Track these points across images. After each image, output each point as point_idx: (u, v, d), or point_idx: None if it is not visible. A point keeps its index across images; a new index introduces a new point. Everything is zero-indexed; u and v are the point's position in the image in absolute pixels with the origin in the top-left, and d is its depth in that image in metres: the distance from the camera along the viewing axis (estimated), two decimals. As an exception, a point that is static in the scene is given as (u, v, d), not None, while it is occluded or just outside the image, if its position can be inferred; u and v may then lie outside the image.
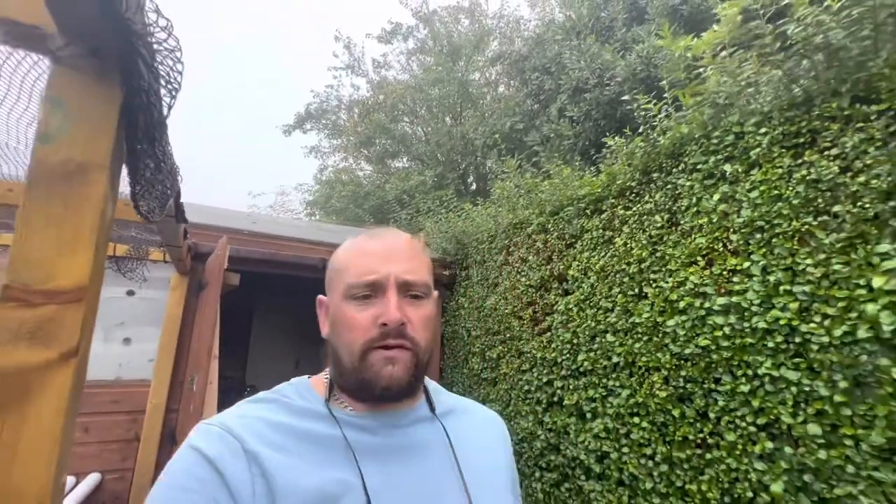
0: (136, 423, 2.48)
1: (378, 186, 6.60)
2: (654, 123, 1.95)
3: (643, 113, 2.01)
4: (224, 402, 2.82)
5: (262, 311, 4.99)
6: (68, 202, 0.47)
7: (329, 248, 3.25)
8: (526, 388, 2.43)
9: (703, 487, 1.47)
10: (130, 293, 2.74)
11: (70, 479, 2.34)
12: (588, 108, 3.56)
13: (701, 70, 1.83)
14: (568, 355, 2.16)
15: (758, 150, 1.48)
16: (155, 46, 0.48)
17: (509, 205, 3.06)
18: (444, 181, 5.57)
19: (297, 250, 3.05)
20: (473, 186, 6.16)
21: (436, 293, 0.65)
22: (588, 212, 2.27)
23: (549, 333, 2.34)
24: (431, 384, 0.68)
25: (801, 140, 1.39)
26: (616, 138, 2.20)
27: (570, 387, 2.12)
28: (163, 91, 0.53)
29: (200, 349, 2.43)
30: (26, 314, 0.43)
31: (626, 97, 2.84)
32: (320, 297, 0.65)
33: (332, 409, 0.57)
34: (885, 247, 1.14)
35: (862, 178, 1.21)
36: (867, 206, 1.19)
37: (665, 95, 2.03)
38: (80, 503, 2.22)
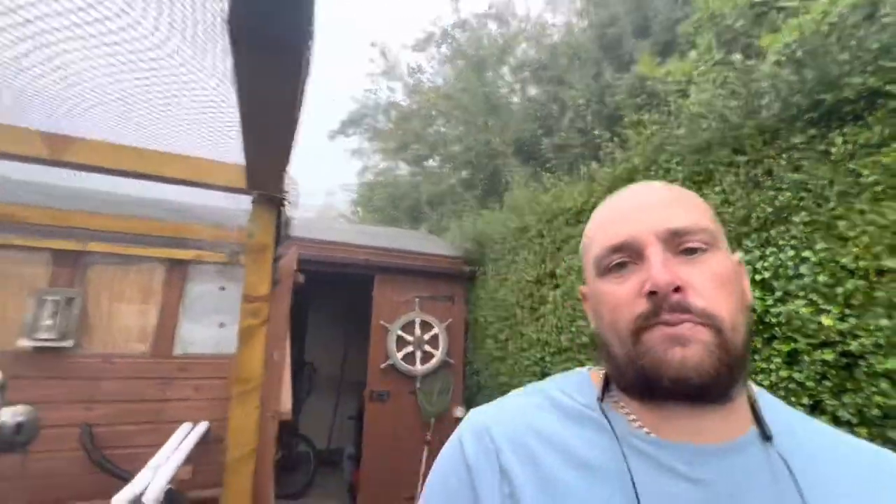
0: (228, 386, 3.31)
1: (413, 187, 7.27)
2: (615, 155, 2.47)
3: (607, 144, 2.53)
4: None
5: (316, 302, 5.86)
6: (259, 260, 1.14)
7: (369, 249, 3.96)
8: (526, 363, 3.03)
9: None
10: (222, 288, 3.58)
11: (188, 426, 3.20)
12: (591, 121, 4.02)
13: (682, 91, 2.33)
14: (554, 336, 2.74)
15: (677, 182, 2.00)
16: (287, 196, 1.15)
17: (517, 212, 3.63)
18: (473, 182, 6.13)
19: (345, 252, 3.79)
20: (501, 188, 6.64)
21: (734, 255, 0.48)
22: (572, 222, 2.82)
23: (542, 319, 2.92)
24: (756, 389, 0.47)
25: (702, 178, 1.90)
26: (592, 163, 2.73)
27: (556, 361, 2.71)
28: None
29: (277, 332, 3.22)
30: (250, 305, 1.11)
31: (623, 113, 3.33)
32: (581, 288, 0.55)
33: (608, 411, 0.46)
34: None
35: (731, 210, 1.72)
36: (732, 230, 1.70)
37: (646, 117, 2.53)
38: (197, 442, 3.07)
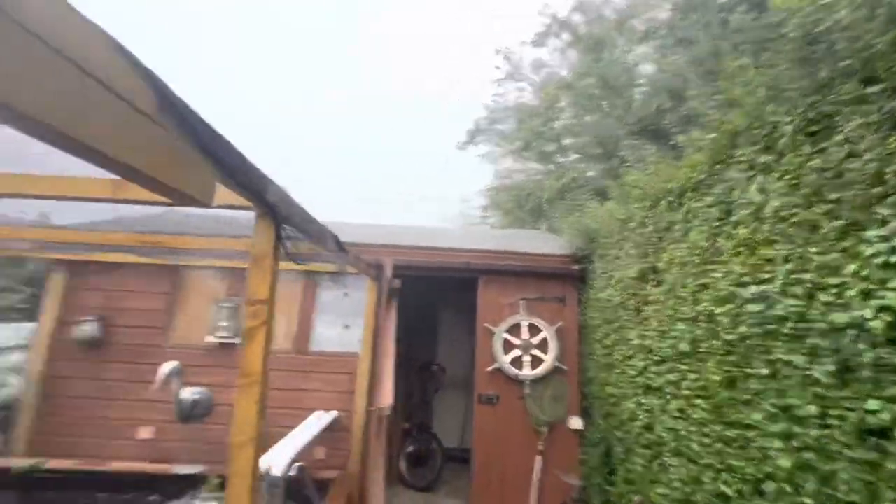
0: (352, 381, 3.72)
1: (537, 186, 7.05)
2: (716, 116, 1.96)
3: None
4: (410, 376, 4.00)
5: (444, 305, 6.16)
6: (260, 267, 1.28)
7: (472, 252, 3.99)
8: (630, 373, 2.63)
9: (742, 464, 1.57)
10: (346, 294, 4.07)
11: (320, 413, 3.72)
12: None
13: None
14: (657, 342, 2.32)
15: (784, 139, 1.49)
16: (284, 209, 1.26)
17: (621, 200, 3.19)
18: (594, 172, 5.64)
19: (444, 256, 3.91)
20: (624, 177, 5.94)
21: None
22: (674, 205, 2.35)
23: (646, 322, 2.50)
24: None
25: (819, 127, 1.37)
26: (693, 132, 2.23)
27: (660, 372, 2.28)
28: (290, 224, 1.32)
29: (383, 336, 3.51)
30: (252, 308, 1.25)
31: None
32: None
33: None
34: (870, 233, 1.14)
35: (858, 164, 1.20)
36: (860, 192, 1.18)
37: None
38: (325, 428, 3.55)
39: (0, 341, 3.92)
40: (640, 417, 2.44)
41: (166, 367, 2.85)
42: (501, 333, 3.85)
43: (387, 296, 3.43)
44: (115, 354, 3.70)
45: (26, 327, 3.93)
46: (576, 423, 3.69)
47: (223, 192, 1.12)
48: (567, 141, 6.98)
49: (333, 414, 3.67)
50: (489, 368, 3.82)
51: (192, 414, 2.99)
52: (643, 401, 2.43)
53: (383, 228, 4.32)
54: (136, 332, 3.76)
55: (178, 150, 0.77)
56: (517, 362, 3.81)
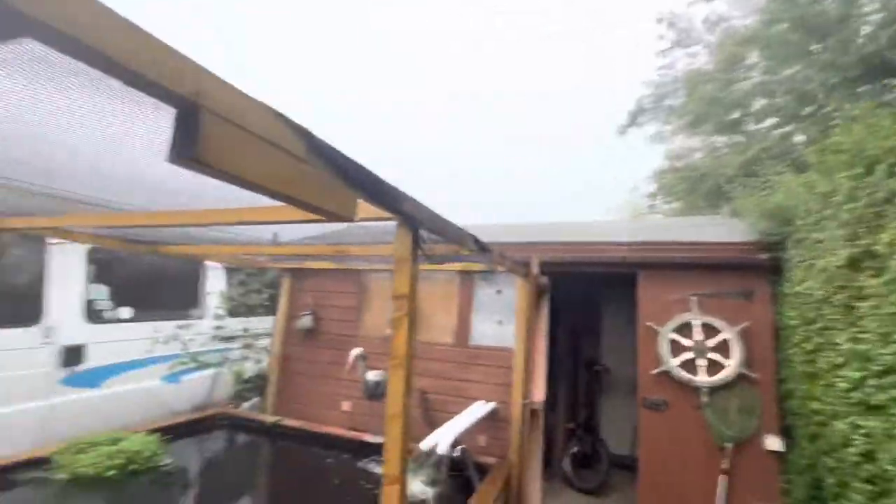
0: (508, 374, 3.87)
1: (714, 164, 5.97)
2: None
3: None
4: (575, 376, 4.02)
5: (607, 303, 5.83)
6: (401, 269, 1.52)
7: (629, 245, 3.71)
8: (841, 385, 2.09)
9: None
10: (499, 292, 4.26)
11: (481, 403, 3.98)
12: None
13: None
14: (878, 348, 1.80)
15: None
16: (419, 217, 1.48)
17: (823, 169, 2.54)
18: (793, 139, 4.52)
19: (596, 251, 3.72)
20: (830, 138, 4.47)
21: None
22: (897, 169, 1.78)
23: (859, 323, 1.96)
24: None
25: None
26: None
27: (881, 385, 1.76)
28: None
29: (534, 332, 3.57)
30: (397, 301, 1.50)
31: None
32: None
33: None
34: None
35: None
36: None
37: None
38: (484, 417, 3.78)
39: (259, 329, 5.36)
40: (857, 443, 1.92)
41: (353, 352, 3.50)
42: (668, 333, 3.48)
43: (536, 293, 3.48)
44: (323, 342, 4.66)
45: (269, 319, 5.28)
46: (773, 443, 3.07)
47: (370, 208, 1.39)
48: (756, 105, 5.76)
49: (492, 405, 3.89)
50: (654, 371, 3.49)
51: (375, 393, 3.59)
52: (860, 422, 1.91)
53: (532, 227, 4.36)
54: (336, 324, 4.67)
55: (324, 179, 1.03)
56: (689, 366, 3.38)
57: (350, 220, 1.18)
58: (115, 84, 0.67)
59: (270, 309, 5.16)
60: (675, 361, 3.41)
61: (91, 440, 3.01)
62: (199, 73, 0.72)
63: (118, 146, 1.33)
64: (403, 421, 1.43)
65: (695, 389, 3.34)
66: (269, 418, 4.03)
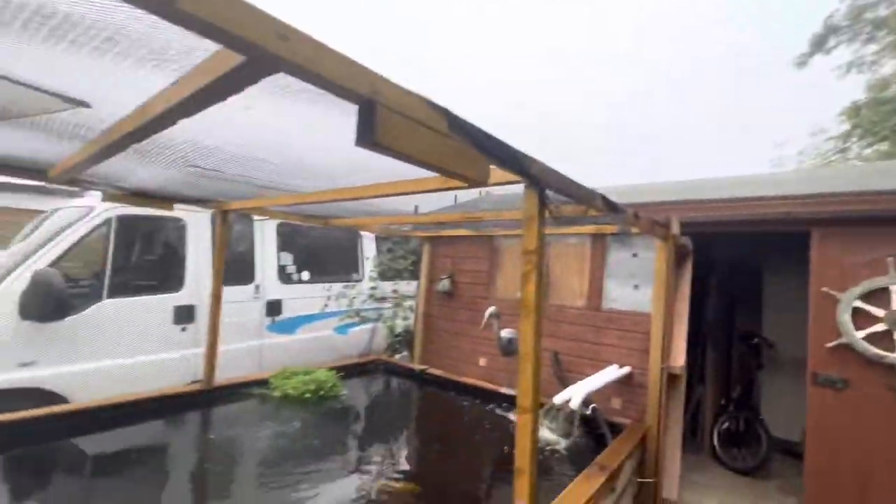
0: (645, 339, 3.74)
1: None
2: None
3: None
4: (728, 349, 3.84)
5: (772, 268, 5.07)
6: (531, 225, 1.66)
7: (795, 199, 3.20)
8: None
9: None
10: (635, 255, 4.08)
11: (615, 367, 3.94)
12: None
13: None
14: None
15: None
16: (545, 179, 1.60)
17: None
18: None
19: (755, 207, 3.28)
20: None
21: None
22: None
23: None
24: None
25: None
26: None
27: None
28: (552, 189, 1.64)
29: (676, 294, 3.37)
30: (525, 256, 1.66)
31: None
32: None
33: None
34: None
35: None
36: None
37: None
38: (618, 380, 3.75)
39: (405, 292, 6.11)
40: None
41: (488, 311, 3.80)
42: (851, 301, 2.96)
43: (677, 256, 3.27)
44: (461, 303, 5.10)
45: (413, 284, 5.94)
46: None
47: (501, 173, 1.56)
48: None
49: (627, 369, 3.83)
50: (830, 344, 3.02)
51: (508, 349, 3.85)
52: None
53: (673, 186, 4.03)
54: (471, 287, 5.05)
55: (463, 149, 1.23)
56: (880, 339, 2.84)
57: (485, 183, 1.38)
58: (315, 92, 0.96)
59: (414, 273, 5.81)
60: (860, 334, 2.90)
61: (293, 370, 3.91)
62: (373, 76, 0.96)
63: (311, 141, 1.74)
64: (534, 362, 1.62)
65: (888, 367, 2.81)
66: (418, 367, 4.63)
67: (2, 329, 3.40)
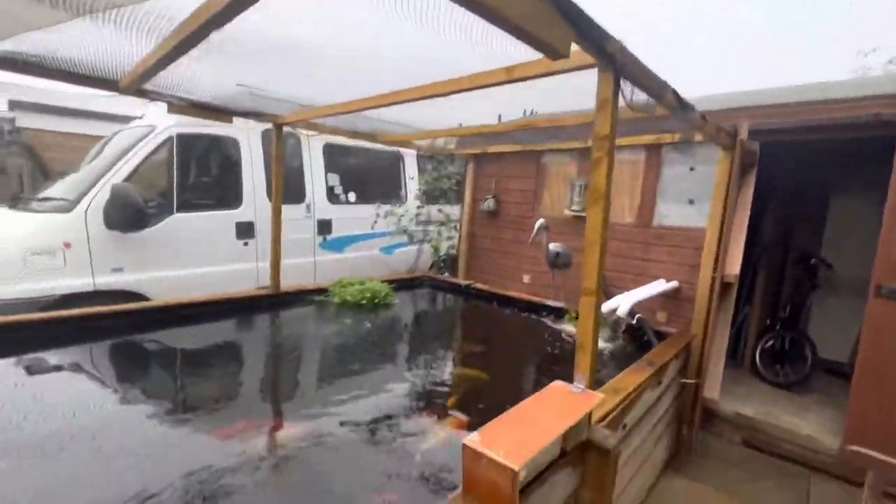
0: (697, 254, 3.70)
1: None
2: None
3: None
4: (781, 269, 3.71)
5: (841, 185, 4.75)
6: (604, 109, 1.63)
7: (883, 99, 2.90)
8: None
9: None
10: (692, 169, 3.90)
11: (662, 281, 3.95)
12: None
13: None
14: None
15: None
16: (621, 60, 1.53)
17: None
18: None
19: (834, 110, 3.00)
20: None
21: None
22: None
23: None
24: None
25: None
26: None
27: None
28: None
29: (736, 207, 3.25)
30: (597, 142, 1.64)
31: None
32: None
33: None
34: None
35: None
36: None
37: None
38: (665, 293, 3.78)
39: (449, 213, 6.18)
40: None
41: (537, 223, 3.83)
42: (934, 210, 2.76)
43: (740, 166, 3.11)
44: (505, 222, 5.14)
45: (457, 207, 5.99)
46: None
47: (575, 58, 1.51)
48: None
49: (675, 283, 3.84)
50: (902, 255, 2.88)
51: (556, 262, 3.92)
52: None
53: (745, 94, 3.72)
54: (516, 207, 5.05)
55: (546, 11, 1.19)
56: (961, 250, 2.69)
57: (566, 55, 1.34)
58: None
59: (458, 194, 5.84)
60: (939, 244, 2.74)
61: (349, 280, 4.17)
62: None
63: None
64: (600, 248, 1.66)
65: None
66: (463, 281, 4.82)
67: (94, 239, 3.77)
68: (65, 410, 2.04)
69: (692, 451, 3.27)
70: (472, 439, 1.26)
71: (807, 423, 3.50)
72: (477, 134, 3.93)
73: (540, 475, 1.42)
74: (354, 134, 4.05)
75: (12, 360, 2.44)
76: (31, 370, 2.40)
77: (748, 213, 3.33)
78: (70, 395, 2.22)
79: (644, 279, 4.01)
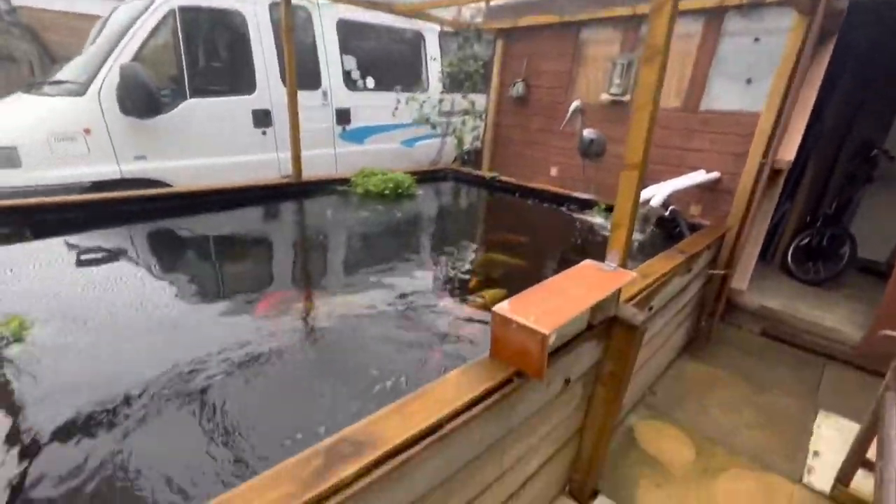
0: (746, 141, 3.38)
1: None
2: None
3: None
4: (835, 160, 3.32)
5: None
6: (674, -62, 1.32)
7: None
8: None
9: None
10: (756, 40, 3.39)
11: (702, 172, 3.70)
12: None
13: None
14: None
15: None
16: None
17: None
18: None
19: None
20: None
21: None
22: None
23: None
24: None
25: None
26: None
27: None
28: None
29: (805, 83, 2.86)
30: (650, 43, 1.37)
31: None
32: None
33: None
34: None
35: None
36: None
37: None
38: (703, 184, 3.56)
39: (474, 101, 5.77)
40: None
41: (573, 105, 3.52)
42: None
43: (818, 34, 2.65)
44: (534, 109, 4.77)
45: (483, 97, 5.55)
46: None
47: None
48: None
49: (716, 174, 3.60)
50: None
51: (589, 150, 3.68)
52: None
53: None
54: (547, 92, 4.63)
55: None
56: None
57: None
58: None
59: (484, 79, 5.37)
60: None
61: (371, 171, 4.07)
62: None
63: None
64: (650, 114, 1.48)
65: None
66: (488, 173, 4.65)
67: (111, 123, 3.69)
68: (104, 287, 2.15)
69: (710, 339, 3.35)
70: (502, 307, 1.25)
71: (832, 315, 3.49)
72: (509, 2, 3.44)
73: (566, 344, 1.44)
74: (371, 4, 3.61)
75: (59, 239, 2.55)
76: (76, 250, 2.51)
77: (816, 91, 2.94)
78: (109, 274, 2.33)
79: (682, 171, 3.76)
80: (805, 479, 2.18)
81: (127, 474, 1.17)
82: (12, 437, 1.26)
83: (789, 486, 2.14)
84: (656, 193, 3.10)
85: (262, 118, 4.57)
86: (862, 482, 2.01)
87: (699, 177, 3.48)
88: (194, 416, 1.38)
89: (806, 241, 4.34)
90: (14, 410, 1.36)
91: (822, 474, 2.20)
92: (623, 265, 1.63)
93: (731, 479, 2.16)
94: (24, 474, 1.15)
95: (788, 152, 2.95)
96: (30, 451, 1.22)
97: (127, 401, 1.40)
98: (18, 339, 1.61)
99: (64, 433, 1.28)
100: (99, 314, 1.86)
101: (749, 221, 3.05)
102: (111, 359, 1.61)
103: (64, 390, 1.43)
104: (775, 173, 3.00)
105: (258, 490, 0.80)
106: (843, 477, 2.06)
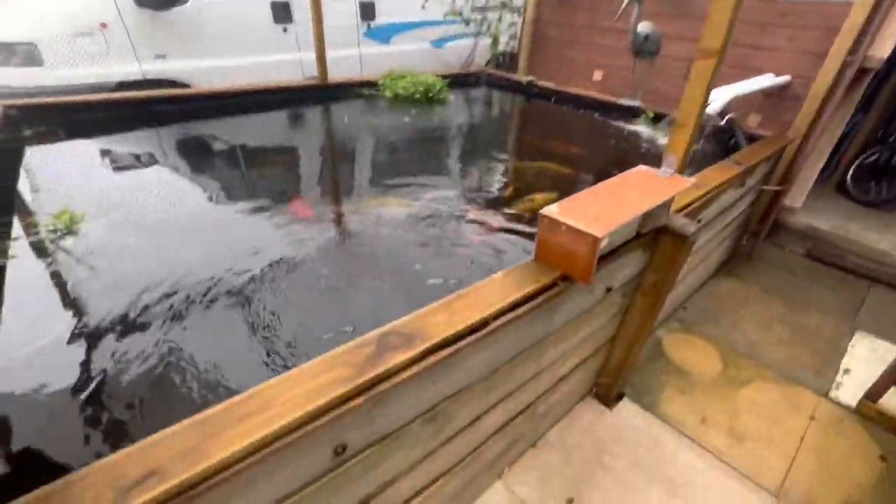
0: (828, 37, 2.93)
1: None
2: None
3: None
4: None
5: None
6: None
7: None
8: None
9: None
10: None
11: (770, 76, 3.29)
12: None
13: None
14: None
15: None
16: None
17: None
18: None
19: None
20: None
21: None
22: None
23: None
24: None
25: None
26: None
27: None
28: None
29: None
30: None
31: None
32: None
33: None
34: None
35: None
36: None
37: None
38: (769, 90, 3.19)
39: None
40: None
41: (630, -7, 3.08)
42: None
43: None
44: (579, 1, 4.22)
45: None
46: None
47: None
48: None
49: (786, 78, 3.20)
50: None
51: (643, 48, 3.29)
52: None
53: None
54: (598, -21, 4.05)
55: None
56: None
57: None
58: None
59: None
60: None
61: (400, 73, 3.80)
62: None
63: None
64: (709, 76, 1.26)
65: None
66: (524, 78, 4.29)
67: (126, 16, 3.48)
68: (141, 188, 2.17)
69: (752, 258, 3.23)
70: (551, 209, 1.18)
71: (886, 238, 3.28)
72: None
73: (612, 252, 1.38)
74: None
75: (89, 141, 2.54)
76: (109, 152, 2.50)
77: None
78: (144, 175, 2.34)
79: (746, 74, 3.35)
80: (832, 394, 2.20)
81: (194, 361, 1.25)
82: (84, 322, 1.35)
83: (814, 399, 2.17)
84: (715, 98, 2.80)
85: (282, 12, 4.22)
86: (891, 399, 2.02)
87: (766, 80, 3.11)
88: (251, 306, 1.44)
89: (873, 158, 3.96)
90: (80, 300, 1.44)
91: (850, 391, 2.21)
92: (681, 172, 1.51)
93: (755, 389, 2.20)
94: (100, 354, 1.24)
95: (882, 48, 2.55)
96: (102, 333, 1.31)
97: (183, 292, 1.47)
98: (71, 231, 1.67)
99: (127, 321, 1.36)
100: (142, 213, 1.90)
101: (818, 132, 2.76)
102: (158, 255, 1.66)
103: (121, 281, 1.50)
104: (861, 73, 2.63)
105: (313, 373, 0.83)
106: (872, 394, 2.07)
